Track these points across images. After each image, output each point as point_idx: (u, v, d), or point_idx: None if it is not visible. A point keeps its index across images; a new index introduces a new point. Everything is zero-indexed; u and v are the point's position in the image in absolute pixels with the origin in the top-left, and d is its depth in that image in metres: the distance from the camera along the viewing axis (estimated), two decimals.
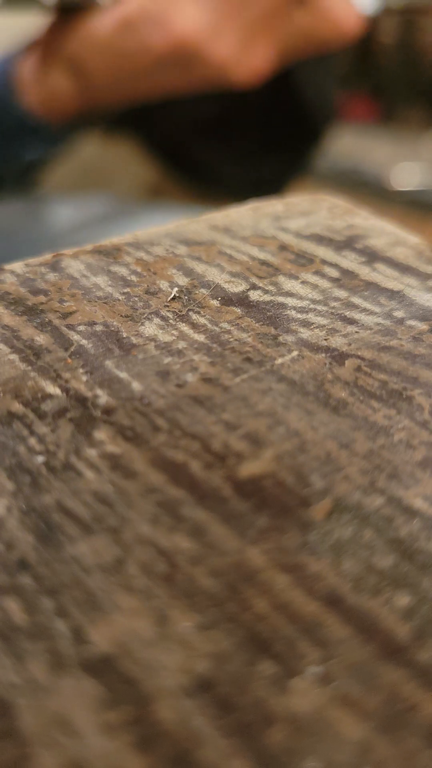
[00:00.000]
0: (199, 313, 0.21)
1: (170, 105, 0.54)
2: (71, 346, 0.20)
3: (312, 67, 0.63)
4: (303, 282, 0.23)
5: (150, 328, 0.20)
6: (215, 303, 0.21)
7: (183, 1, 0.44)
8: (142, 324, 0.20)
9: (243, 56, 0.45)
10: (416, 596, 0.13)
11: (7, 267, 0.23)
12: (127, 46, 0.45)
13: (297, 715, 0.11)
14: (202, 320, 0.21)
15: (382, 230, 0.26)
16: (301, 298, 0.22)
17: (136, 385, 0.18)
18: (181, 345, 0.20)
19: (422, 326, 0.20)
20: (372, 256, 0.24)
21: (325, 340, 0.20)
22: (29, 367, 0.19)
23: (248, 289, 0.22)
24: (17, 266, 0.23)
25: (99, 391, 0.18)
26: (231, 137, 0.65)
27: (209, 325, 0.20)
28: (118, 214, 0.51)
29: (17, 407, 0.17)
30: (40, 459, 0.16)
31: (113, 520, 0.15)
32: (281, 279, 0.23)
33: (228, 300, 0.22)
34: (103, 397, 0.18)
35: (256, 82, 0.47)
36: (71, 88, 0.49)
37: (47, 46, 0.49)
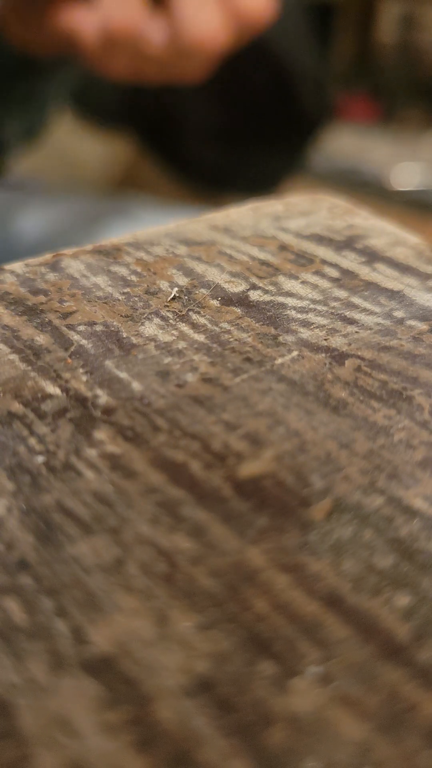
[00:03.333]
0: (199, 313, 0.21)
1: (165, 101, 0.54)
2: (71, 346, 0.20)
3: (302, 56, 0.62)
4: (303, 282, 0.23)
5: (150, 328, 0.20)
6: (215, 303, 0.21)
7: None
8: (142, 324, 0.20)
9: None
10: (416, 596, 0.13)
11: (7, 267, 0.23)
12: None
13: (297, 715, 0.11)
14: (202, 320, 0.21)
15: (382, 230, 0.26)
16: (301, 298, 0.22)
17: (136, 385, 0.18)
18: (181, 345, 0.20)
19: (422, 326, 0.20)
20: (372, 256, 0.24)
21: (325, 340, 0.20)
22: (29, 367, 0.19)
23: (248, 289, 0.22)
24: (17, 266, 0.23)
25: (99, 391, 0.18)
26: (226, 133, 0.65)
27: (209, 325, 0.20)
28: (113, 213, 0.51)
29: (17, 407, 0.17)
30: (40, 459, 0.16)
31: (113, 520, 0.15)
32: (281, 279, 0.23)
33: (228, 300, 0.22)
34: (103, 397, 0.18)
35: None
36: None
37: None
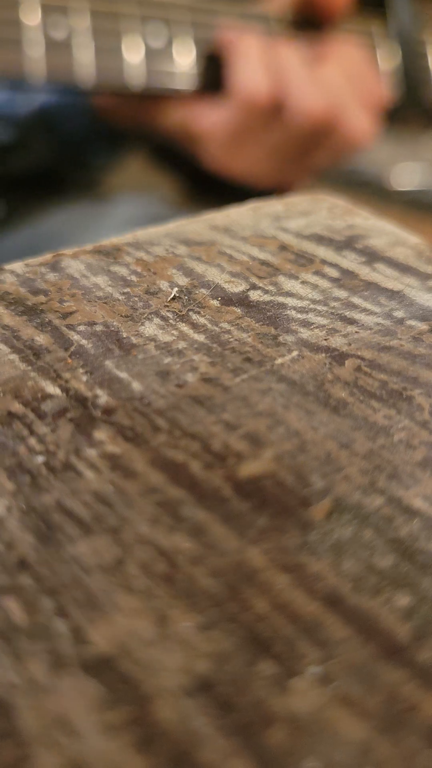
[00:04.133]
0: (199, 313, 0.21)
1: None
2: (71, 346, 0.20)
3: None
4: (303, 282, 0.23)
5: (150, 328, 0.20)
6: (215, 303, 0.21)
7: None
8: (142, 324, 0.20)
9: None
10: (416, 596, 0.13)
11: (7, 267, 0.23)
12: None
13: (297, 715, 0.11)
14: (202, 320, 0.21)
15: (382, 230, 0.26)
16: (301, 298, 0.22)
17: (136, 385, 0.18)
18: (181, 345, 0.20)
19: (422, 326, 0.20)
20: (372, 256, 0.24)
21: (325, 340, 0.20)
22: (29, 367, 0.19)
23: (248, 289, 0.22)
24: (17, 266, 0.23)
25: (99, 391, 0.18)
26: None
27: (209, 325, 0.20)
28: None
29: (17, 407, 0.17)
30: (40, 459, 0.16)
31: (113, 520, 0.15)
32: (281, 279, 0.23)
33: (228, 300, 0.22)
34: (103, 397, 0.18)
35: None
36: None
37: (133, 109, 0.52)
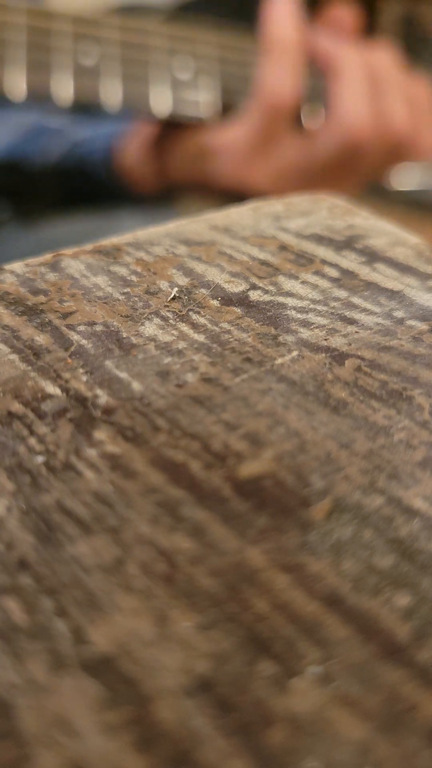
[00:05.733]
0: (199, 313, 0.21)
1: None
2: (71, 346, 0.20)
3: None
4: (303, 282, 0.23)
5: (150, 328, 0.20)
6: (215, 303, 0.21)
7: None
8: (142, 324, 0.20)
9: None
10: (416, 596, 0.13)
11: (7, 267, 0.23)
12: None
13: (297, 715, 0.11)
14: (202, 320, 0.21)
15: (382, 230, 0.26)
16: (301, 298, 0.22)
17: (136, 385, 0.18)
18: (181, 345, 0.20)
19: (422, 326, 0.20)
20: (372, 256, 0.24)
21: (325, 340, 0.20)
22: (29, 367, 0.19)
23: (248, 289, 0.22)
24: (17, 266, 0.23)
25: (99, 391, 0.18)
26: None
27: (209, 325, 0.20)
28: None
29: (17, 407, 0.17)
30: (40, 459, 0.16)
31: (113, 520, 0.15)
32: (281, 279, 0.23)
33: (228, 300, 0.22)
34: (103, 397, 0.18)
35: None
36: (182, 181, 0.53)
37: (156, 147, 0.52)
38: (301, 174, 0.50)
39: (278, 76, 0.48)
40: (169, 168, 0.52)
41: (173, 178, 0.53)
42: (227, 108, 0.51)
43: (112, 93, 0.47)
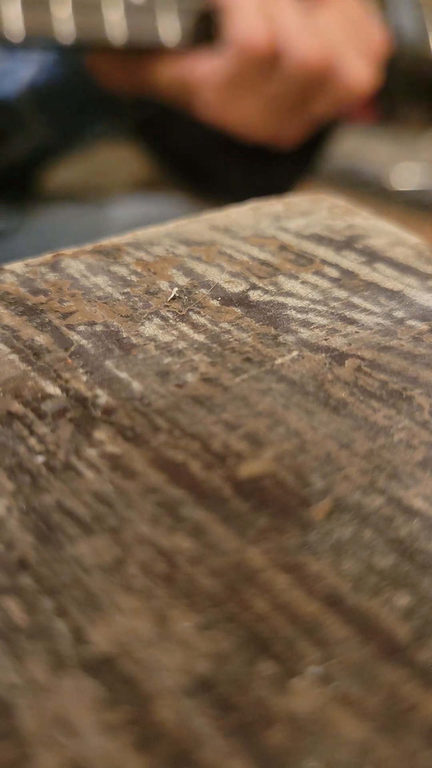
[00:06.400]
0: (199, 313, 0.21)
1: (176, 116, 0.55)
2: (71, 346, 0.20)
3: None
4: (303, 282, 0.23)
5: (150, 328, 0.20)
6: (215, 303, 0.21)
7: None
8: (142, 324, 0.20)
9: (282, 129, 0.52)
10: (416, 596, 0.13)
11: (7, 267, 0.23)
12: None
13: (297, 715, 0.11)
14: (202, 320, 0.21)
15: (382, 230, 0.26)
16: (301, 298, 0.22)
17: (136, 385, 0.18)
18: (181, 345, 0.20)
19: (422, 326, 0.20)
20: (372, 256, 0.24)
21: (325, 340, 0.20)
22: (29, 367, 0.19)
23: (248, 289, 0.22)
24: (17, 266, 0.23)
25: (99, 391, 0.18)
26: (235, 143, 0.66)
27: (209, 325, 0.20)
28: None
29: (17, 407, 0.17)
30: (40, 459, 0.16)
31: (113, 520, 0.15)
32: (281, 279, 0.23)
33: (228, 300, 0.22)
34: (103, 397, 0.18)
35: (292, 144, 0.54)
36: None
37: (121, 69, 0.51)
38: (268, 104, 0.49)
39: (249, 22, 0.47)
40: (149, 91, 0.52)
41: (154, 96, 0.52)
42: (193, 32, 0.49)
43: (65, 23, 0.46)
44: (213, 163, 0.66)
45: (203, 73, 0.48)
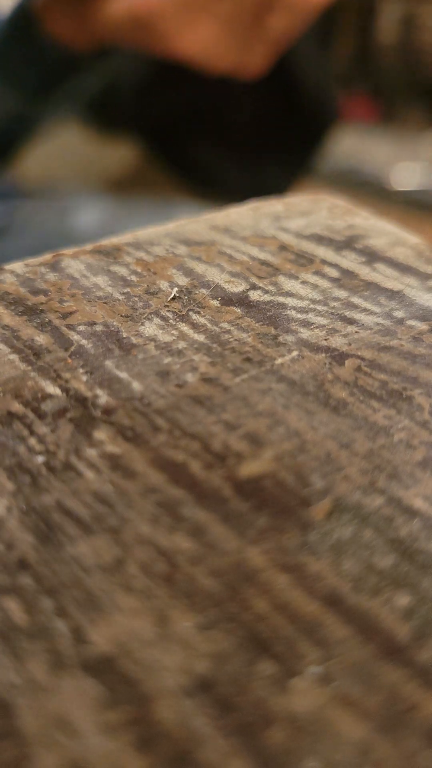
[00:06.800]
0: (199, 313, 0.21)
1: (174, 106, 0.54)
2: (71, 346, 0.20)
3: (308, 62, 0.63)
4: (303, 282, 0.23)
5: (150, 328, 0.20)
6: (215, 303, 0.21)
7: None
8: (142, 324, 0.20)
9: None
10: (416, 596, 0.13)
11: (7, 267, 0.23)
12: None
13: (297, 715, 0.11)
14: (202, 320, 0.21)
15: (382, 230, 0.26)
16: (301, 298, 0.22)
17: (136, 385, 0.18)
18: (181, 345, 0.20)
19: (422, 326, 0.20)
20: (372, 256, 0.24)
21: (325, 340, 0.20)
22: (29, 367, 0.19)
23: (248, 289, 0.22)
24: (17, 266, 0.23)
25: (99, 391, 0.18)
26: (233, 140, 0.65)
27: (209, 325, 0.20)
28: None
29: (17, 407, 0.17)
30: (40, 459, 0.16)
31: (113, 520, 0.15)
32: (281, 279, 0.23)
33: (228, 300, 0.22)
34: (103, 397, 0.18)
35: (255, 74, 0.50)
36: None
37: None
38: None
39: None
40: (102, 34, 0.50)
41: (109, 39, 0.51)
42: None
43: None
44: (208, 159, 0.66)
45: (153, 3, 0.47)
